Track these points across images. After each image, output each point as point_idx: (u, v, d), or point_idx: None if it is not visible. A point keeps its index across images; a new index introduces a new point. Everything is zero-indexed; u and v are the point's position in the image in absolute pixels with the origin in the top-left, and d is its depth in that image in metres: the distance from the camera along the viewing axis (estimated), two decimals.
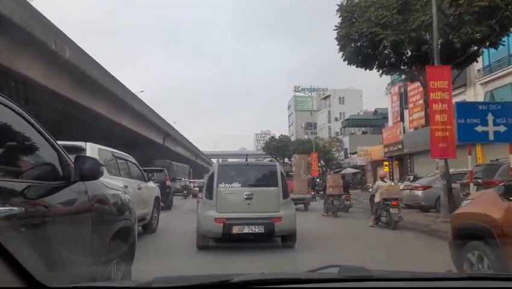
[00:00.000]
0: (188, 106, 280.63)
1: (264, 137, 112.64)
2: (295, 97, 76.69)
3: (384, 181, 10.52)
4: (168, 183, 16.14)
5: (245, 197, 6.56)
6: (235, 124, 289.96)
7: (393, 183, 11.92)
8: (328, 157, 43.32)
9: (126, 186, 7.52)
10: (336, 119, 58.33)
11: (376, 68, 10.58)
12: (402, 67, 10.73)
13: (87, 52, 17.23)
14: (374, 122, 46.39)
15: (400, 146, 27.73)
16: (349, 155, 43.92)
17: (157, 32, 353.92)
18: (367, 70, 10.69)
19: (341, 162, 46.09)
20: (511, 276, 1.68)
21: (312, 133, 59.83)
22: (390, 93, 31.08)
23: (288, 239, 6.82)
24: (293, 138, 53.91)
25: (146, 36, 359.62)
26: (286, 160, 44.18)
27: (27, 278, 1.46)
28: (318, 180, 27.85)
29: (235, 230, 6.35)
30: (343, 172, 41.67)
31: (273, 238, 6.92)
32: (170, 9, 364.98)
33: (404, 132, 27.93)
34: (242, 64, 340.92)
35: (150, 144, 32.82)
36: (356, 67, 10.47)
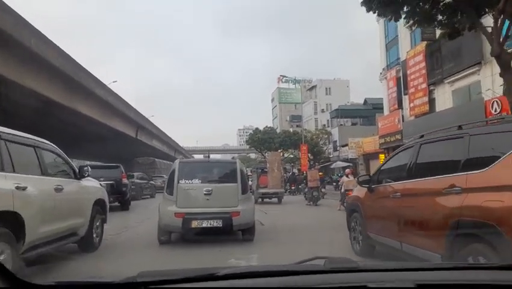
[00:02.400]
0: (169, 104, 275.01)
1: (246, 132, 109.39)
2: (279, 89, 73.56)
3: (348, 177, 13.65)
4: (125, 180, 13.90)
5: (204, 192, 6.75)
6: (217, 121, 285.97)
7: (355, 179, 15.68)
8: (317, 150, 40.38)
9: (22, 188, 4.69)
10: (322, 110, 55.57)
11: (405, 17, 7.53)
12: (439, 17, 7.65)
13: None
14: (364, 113, 43.80)
15: (398, 136, 24.94)
16: (338, 147, 41.15)
17: (134, 29, 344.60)
18: (392, 19, 7.69)
19: (330, 156, 43.32)
20: (505, 266, 1.60)
21: (297, 126, 57.03)
22: (386, 78, 28.22)
23: (246, 233, 7.07)
24: (278, 131, 50.65)
25: (123, 32, 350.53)
26: None
27: (7, 275, 1.31)
28: (298, 175, 27.79)
29: (194, 224, 6.54)
30: (333, 166, 39.05)
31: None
32: (153, 5, 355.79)
33: (403, 121, 25.14)
34: (223, 60, 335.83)
35: (119, 136, 29.19)
36: (378, 14, 7.45)
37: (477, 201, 3.33)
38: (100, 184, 7.77)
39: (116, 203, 13.71)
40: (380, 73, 29.54)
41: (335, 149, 42.81)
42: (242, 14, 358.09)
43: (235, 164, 7.43)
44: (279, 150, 42.97)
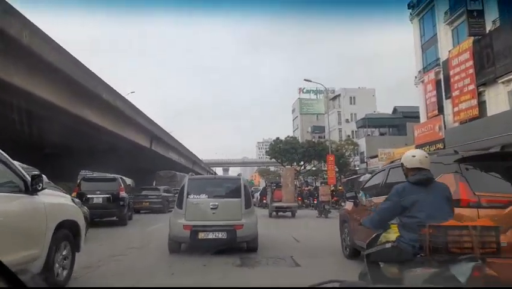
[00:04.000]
0: (189, 118, 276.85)
1: (266, 145, 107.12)
2: (300, 99, 71.24)
3: None
4: (122, 194, 12.89)
5: (211, 207, 7.29)
6: (237, 134, 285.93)
7: None
8: (343, 162, 37.61)
9: None
10: (347, 121, 52.76)
11: None
12: None
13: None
14: (393, 122, 40.95)
15: (440, 145, 22.15)
16: (366, 159, 38.32)
17: (155, 47, 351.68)
18: None
19: (357, 168, 40.46)
20: None
21: (319, 137, 54.38)
22: (423, 81, 25.52)
23: (250, 245, 7.52)
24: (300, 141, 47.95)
25: (143, 51, 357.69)
26: (294, 166, 38.14)
27: (9, 278, 1.31)
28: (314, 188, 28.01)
29: (201, 236, 7.09)
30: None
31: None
32: (175, 23, 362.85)
33: (445, 128, 22.35)
34: (244, 74, 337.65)
35: (132, 147, 27.32)
36: None
37: None
38: (73, 200, 5.65)
39: (114, 218, 13.04)
40: (416, 77, 26.84)
41: (362, 161, 40.01)
42: (258, 25, 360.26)
43: (239, 181, 8.11)
44: (301, 162, 40.43)
